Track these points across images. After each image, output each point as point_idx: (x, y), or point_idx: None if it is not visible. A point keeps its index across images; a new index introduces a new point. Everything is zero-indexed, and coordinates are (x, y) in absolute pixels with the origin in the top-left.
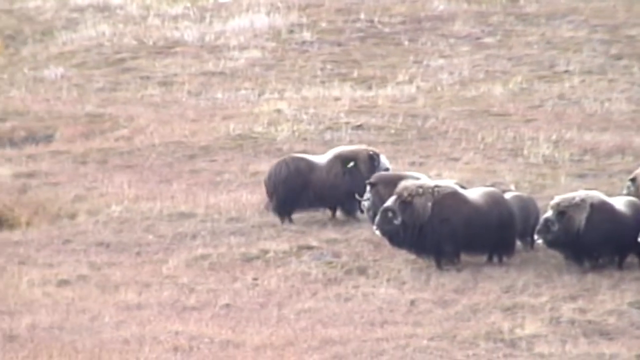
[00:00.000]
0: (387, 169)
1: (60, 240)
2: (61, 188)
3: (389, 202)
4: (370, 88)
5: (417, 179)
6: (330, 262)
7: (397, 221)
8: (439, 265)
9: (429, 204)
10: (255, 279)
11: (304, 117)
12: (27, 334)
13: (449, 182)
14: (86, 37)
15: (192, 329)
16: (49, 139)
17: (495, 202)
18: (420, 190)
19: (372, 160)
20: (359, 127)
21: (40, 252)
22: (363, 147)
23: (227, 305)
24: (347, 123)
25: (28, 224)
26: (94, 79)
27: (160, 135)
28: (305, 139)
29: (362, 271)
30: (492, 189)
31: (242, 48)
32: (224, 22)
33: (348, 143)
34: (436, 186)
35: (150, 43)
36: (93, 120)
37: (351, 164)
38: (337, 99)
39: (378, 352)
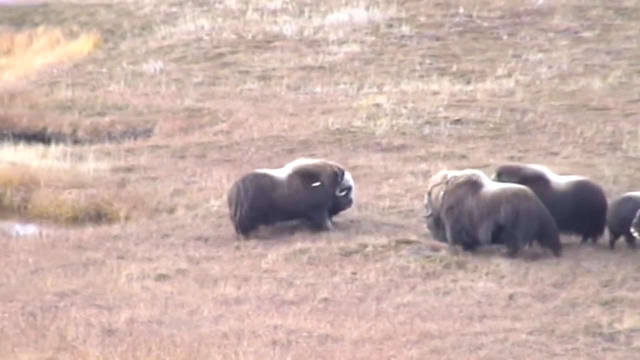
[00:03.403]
0: (349, 187)
1: (158, 234)
2: (160, 182)
3: None
4: (469, 82)
5: (535, 171)
6: (429, 256)
7: (428, 212)
8: (467, 250)
9: (442, 193)
10: (354, 273)
11: (403, 111)
12: (125, 328)
13: (473, 171)
14: (185, 32)
15: (291, 323)
16: (147, 133)
17: (522, 196)
18: (439, 180)
19: (336, 176)
20: (458, 121)
21: (139, 246)
22: (326, 162)
23: (326, 299)
24: (445, 117)
25: (127, 218)
26: (193, 73)
27: (259, 130)
28: (403, 133)
29: (461, 265)
30: (521, 186)
31: (341, 42)
32: (323, 16)
33: (447, 138)
34: (453, 177)
35: (249, 37)
36: (192, 114)
37: (317, 183)
38: (435, 93)
39: (476, 346)
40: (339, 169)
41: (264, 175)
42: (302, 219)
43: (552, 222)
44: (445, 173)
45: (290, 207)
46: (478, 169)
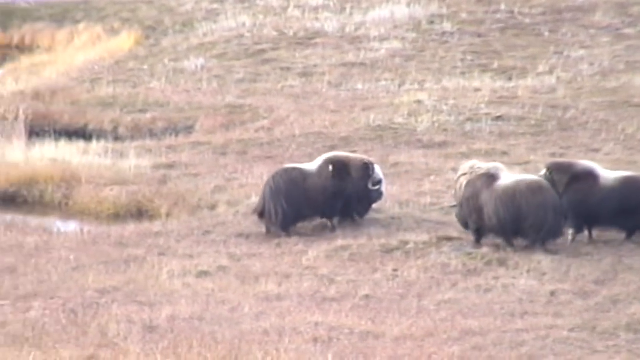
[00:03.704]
0: (380, 180)
1: (200, 231)
2: (201, 179)
3: None
4: (510, 79)
5: (586, 167)
6: (470, 254)
7: (456, 202)
8: (477, 242)
9: (465, 182)
10: (395, 270)
11: (444, 108)
12: (167, 324)
13: (495, 165)
14: (226, 28)
15: (332, 320)
16: (189, 130)
17: (537, 188)
18: (466, 169)
19: (367, 170)
20: (499, 118)
21: (180, 243)
22: (359, 155)
23: (367, 296)
24: (487, 114)
25: (168, 215)
26: (234, 70)
27: (301, 126)
28: (445, 130)
29: (502, 262)
30: (536, 177)
31: (383, 39)
32: (364, 13)
33: (488, 134)
34: (478, 167)
35: (291, 34)
36: (233, 111)
37: (330, 167)
38: (477, 90)
39: (518, 343)
40: (369, 162)
41: (294, 169)
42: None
43: (562, 215)
44: (474, 163)
45: (321, 198)
46: (519, 166)
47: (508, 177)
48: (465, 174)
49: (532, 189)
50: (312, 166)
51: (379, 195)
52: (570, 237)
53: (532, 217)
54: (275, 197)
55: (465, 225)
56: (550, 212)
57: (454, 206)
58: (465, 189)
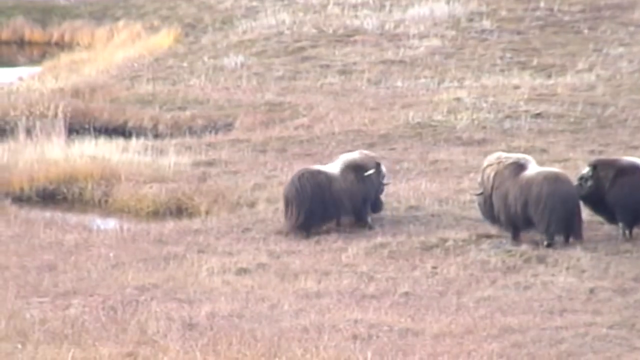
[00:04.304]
0: (385, 174)
1: (239, 228)
2: (241, 176)
3: None
4: (549, 76)
5: (630, 161)
6: (510, 251)
7: (480, 190)
8: (514, 238)
9: (492, 174)
10: (434, 268)
11: (484, 105)
12: (206, 322)
13: (523, 156)
14: (266, 26)
15: (371, 317)
16: (228, 127)
17: (552, 178)
18: (493, 160)
19: (379, 166)
20: (538, 115)
21: (220, 240)
22: (367, 153)
23: (406, 293)
24: (526, 111)
25: (207, 212)
26: (274, 67)
27: (340, 124)
28: (484, 127)
29: (541, 259)
30: (558, 170)
31: (422, 36)
32: (404, 11)
33: (527, 132)
34: (505, 158)
35: (330, 31)
36: (273, 108)
37: (371, 171)
38: (516, 87)
39: (557, 340)
40: (377, 158)
41: (319, 172)
42: (351, 215)
43: (577, 208)
44: (500, 154)
45: (348, 202)
46: (558, 163)
47: (534, 168)
48: (491, 165)
49: (548, 178)
50: (333, 169)
51: (384, 188)
52: (620, 231)
53: (542, 205)
54: (301, 199)
55: (484, 214)
56: (566, 202)
57: (480, 194)
58: (495, 178)
